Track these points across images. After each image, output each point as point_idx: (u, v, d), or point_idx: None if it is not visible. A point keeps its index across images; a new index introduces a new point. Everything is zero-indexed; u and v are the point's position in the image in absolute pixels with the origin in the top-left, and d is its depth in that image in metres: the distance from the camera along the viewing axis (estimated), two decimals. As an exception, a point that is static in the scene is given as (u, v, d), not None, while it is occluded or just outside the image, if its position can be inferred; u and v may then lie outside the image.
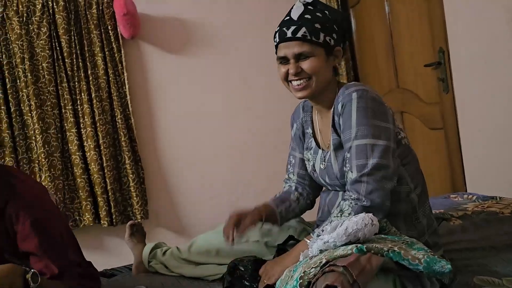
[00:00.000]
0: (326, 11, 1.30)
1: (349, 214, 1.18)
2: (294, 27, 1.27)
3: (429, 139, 2.66)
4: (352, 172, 1.22)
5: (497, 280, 1.19)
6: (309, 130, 1.46)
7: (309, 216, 1.69)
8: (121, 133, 2.86)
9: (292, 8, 1.32)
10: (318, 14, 1.29)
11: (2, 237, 1.25)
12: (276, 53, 1.35)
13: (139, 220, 2.69)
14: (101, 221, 2.80)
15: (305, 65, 1.28)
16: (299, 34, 1.26)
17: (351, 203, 1.20)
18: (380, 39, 2.95)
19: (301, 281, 1.00)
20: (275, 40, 1.34)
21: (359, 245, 1.04)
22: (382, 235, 1.13)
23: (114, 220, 2.83)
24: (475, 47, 2.22)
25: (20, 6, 2.72)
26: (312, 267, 1.01)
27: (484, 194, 2.06)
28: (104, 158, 2.82)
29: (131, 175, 2.86)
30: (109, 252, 2.77)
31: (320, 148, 1.41)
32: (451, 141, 2.50)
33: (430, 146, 2.65)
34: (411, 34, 2.68)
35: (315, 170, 1.42)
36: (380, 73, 3.01)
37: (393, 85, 2.88)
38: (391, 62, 2.87)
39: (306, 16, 1.28)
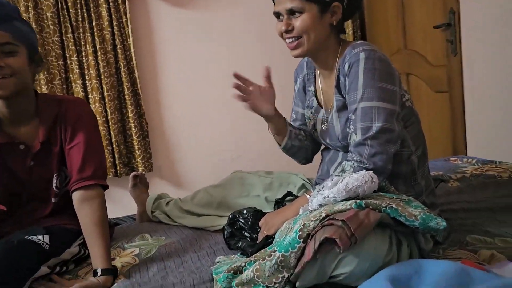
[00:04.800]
0: None
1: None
2: None
3: (434, 102, 2.65)
4: (356, 134, 1.22)
5: (489, 239, 1.23)
6: (311, 88, 1.45)
7: (308, 173, 1.72)
8: (125, 87, 2.86)
9: None
10: None
11: None
12: None
13: (142, 172, 2.74)
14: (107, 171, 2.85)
15: (296, 22, 1.25)
16: None
17: (353, 164, 1.21)
18: (390, -2, 2.89)
19: (300, 233, 1.03)
20: None
21: (358, 200, 1.06)
22: (381, 193, 1.16)
23: (118, 172, 2.88)
24: (487, 9, 2.18)
25: (23, -48, 2.65)
26: (312, 220, 1.04)
27: (484, 158, 2.08)
28: (108, 111, 2.83)
29: (134, 129, 2.89)
30: (113, 202, 2.83)
31: (321, 108, 1.41)
32: (455, 104, 2.49)
33: (434, 109, 2.64)
34: (423, -7, 2.62)
35: (315, 130, 1.43)
36: (389, 33, 2.96)
37: (401, 45, 2.85)
38: (400, 22, 2.82)
39: None
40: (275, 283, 1.02)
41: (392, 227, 1.08)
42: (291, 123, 1.53)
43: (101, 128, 2.81)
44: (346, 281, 1.03)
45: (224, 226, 1.40)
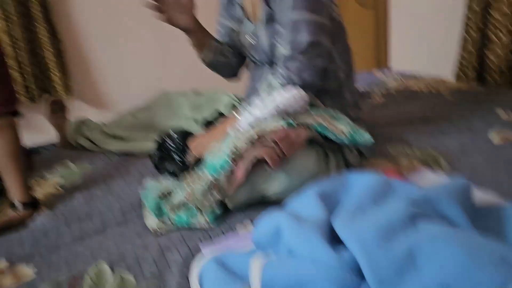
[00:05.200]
0: None
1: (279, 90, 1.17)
2: None
3: (360, 17, 2.65)
4: (284, 48, 1.18)
5: (410, 150, 1.29)
6: (238, 0, 1.36)
7: (237, 91, 1.68)
8: (33, 1, 2.55)
9: None
10: None
11: None
12: None
13: (60, 97, 2.56)
14: (19, 96, 2.62)
15: None
16: None
17: (281, 80, 1.18)
18: None
19: (231, 154, 1.01)
20: None
21: (288, 120, 1.05)
22: (309, 109, 1.15)
23: (33, 96, 2.66)
24: None
25: None
26: (243, 141, 1.02)
27: (406, 71, 2.15)
28: (15, 29, 2.54)
29: (47, 48, 2.63)
30: (30, 129, 2.65)
31: (248, 20, 1.34)
32: (380, 20, 2.52)
33: (359, 24, 2.65)
34: None
35: (242, 44, 1.37)
36: None
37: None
38: None
39: None
40: (206, 205, 1.02)
41: (321, 144, 1.09)
42: (217, 38, 1.45)
43: (8, 49, 2.54)
44: (277, 198, 1.05)
45: (152, 151, 1.35)
